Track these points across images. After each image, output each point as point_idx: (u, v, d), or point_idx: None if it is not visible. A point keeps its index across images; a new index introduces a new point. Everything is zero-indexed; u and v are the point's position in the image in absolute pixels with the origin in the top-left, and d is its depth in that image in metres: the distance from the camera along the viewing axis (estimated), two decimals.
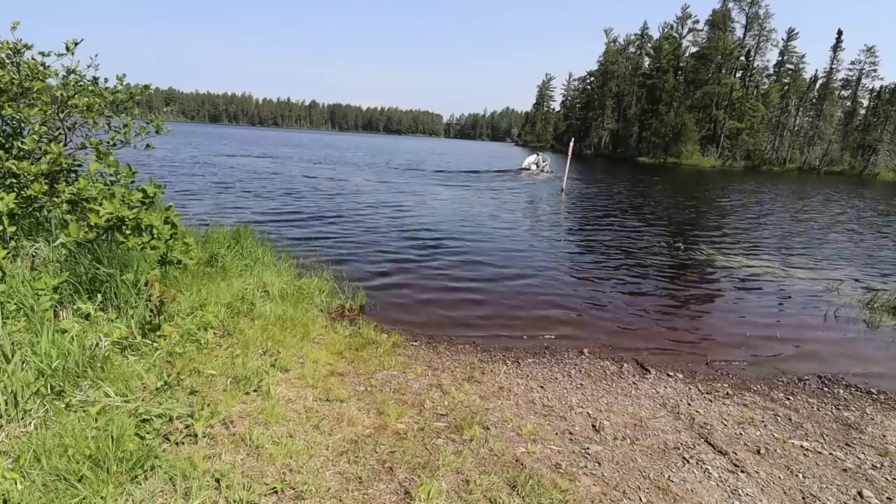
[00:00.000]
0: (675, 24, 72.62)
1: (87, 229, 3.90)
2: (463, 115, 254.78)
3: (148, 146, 5.33)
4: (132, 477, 2.19)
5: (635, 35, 79.22)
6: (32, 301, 3.17)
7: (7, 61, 4.47)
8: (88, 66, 4.94)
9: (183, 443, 2.55)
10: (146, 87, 5.40)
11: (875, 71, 63.00)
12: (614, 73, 78.25)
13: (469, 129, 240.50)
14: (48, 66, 4.64)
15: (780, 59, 67.68)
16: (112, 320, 3.40)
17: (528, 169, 29.48)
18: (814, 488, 2.93)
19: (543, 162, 30.58)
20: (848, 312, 6.82)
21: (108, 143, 5.02)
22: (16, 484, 2.02)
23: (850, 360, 5.30)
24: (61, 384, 2.66)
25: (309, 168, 26.14)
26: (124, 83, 5.28)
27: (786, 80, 66.74)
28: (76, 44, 4.66)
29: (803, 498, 2.83)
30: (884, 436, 3.66)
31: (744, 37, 65.66)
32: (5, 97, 4.39)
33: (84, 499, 2.02)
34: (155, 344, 3.28)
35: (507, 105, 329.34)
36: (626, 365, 4.71)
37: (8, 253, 3.64)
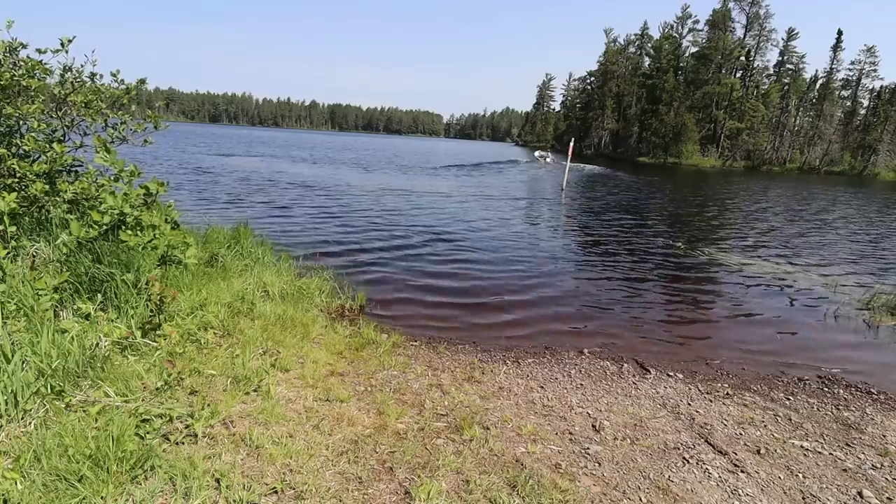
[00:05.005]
0: (675, 25, 72.79)
1: (88, 228, 3.90)
2: (463, 116, 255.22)
3: (146, 142, 5.31)
4: (132, 477, 2.19)
5: (635, 35, 79.37)
6: (32, 301, 3.17)
7: (4, 60, 4.46)
8: (84, 64, 4.93)
9: (183, 443, 2.55)
10: (142, 80, 5.37)
11: (875, 71, 63.12)
12: (614, 73, 78.25)
13: (469, 129, 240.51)
14: (45, 63, 4.63)
15: (780, 59, 67.73)
16: (112, 320, 3.39)
17: (539, 159, 43.69)
18: (814, 488, 2.93)
19: (547, 155, 46.98)
20: (848, 312, 6.81)
21: (109, 141, 5.01)
22: (16, 484, 2.02)
23: (850, 360, 5.29)
24: (61, 384, 2.66)
25: (316, 170, 26.15)
26: (119, 78, 5.25)
27: (786, 80, 66.71)
28: (70, 41, 4.65)
29: (803, 498, 2.83)
30: (884, 436, 3.66)
31: (744, 37, 65.67)
32: (2, 95, 4.39)
33: (84, 499, 2.02)
34: (155, 344, 3.28)
35: (508, 105, 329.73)
36: (626, 365, 4.71)
37: (8, 253, 3.64)
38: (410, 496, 2.42)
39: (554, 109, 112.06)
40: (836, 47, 62.37)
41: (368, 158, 38.38)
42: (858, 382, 4.67)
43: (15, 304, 3.15)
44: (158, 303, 3.54)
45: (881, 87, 61.63)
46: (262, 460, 2.52)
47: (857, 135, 61.24)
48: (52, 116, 4.84)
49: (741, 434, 3.54)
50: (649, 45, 77.43)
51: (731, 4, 64.31)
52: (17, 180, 4.44)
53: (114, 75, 5.21)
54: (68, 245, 3.92)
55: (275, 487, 2.33)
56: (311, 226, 10.75)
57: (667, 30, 73.46)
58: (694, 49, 69.49)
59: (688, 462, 3.08)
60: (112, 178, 4.67)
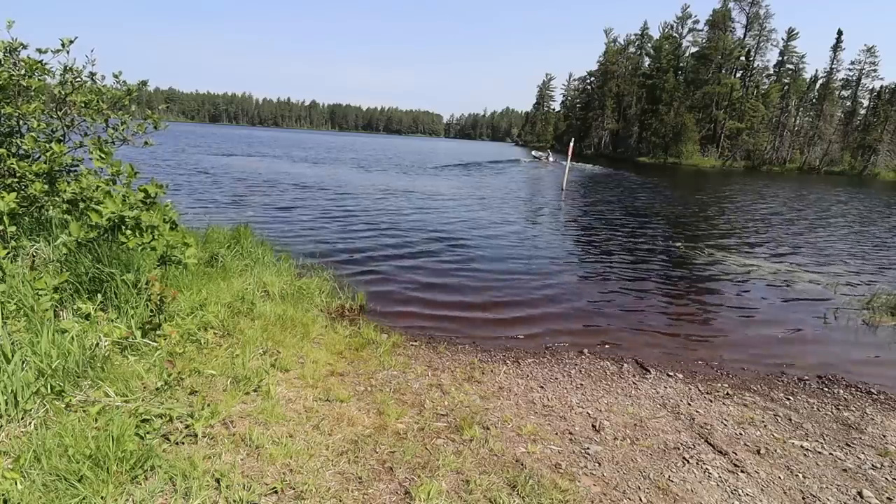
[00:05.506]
0: (675, 25, 72.80)
1: (87, 228, 3.90)
2: (463, 116, 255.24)
3: (146, 143, 5.31)
4: (132, 477, 2.19)
5: (635, 35, 79.36)
6: (32, 301, 3.17)
7: (4, 60, 4.46)
8: (84, 65, 4.93)
9: (183, 443, 2.55)
10: (143, 82, 5.37)
11: (875, 71, 63.00)
12: (614, 73, 78.25)
13: (469, 129, 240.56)
14: (45, 63, 4.63)
15: (780, 59, 67.71)
16: (112, 320, 3.39)
17: (538, 158, 46.28)
18: (814, 488, 2.93)
19: (546, 155, 48.62)
20: (848, 312, 6.81)
21: (107, 141, 5.01)
22: (16, 484, 2.02)
23: (850, 360, 5.29)
24: (61, 384, 2.66)
25: (316, 170, 26.14)
26: (120, 80, 5.25)
27: (786, 80, 66.66)
28: (71, 41, 4.65)
29: (803, 498, 2.83)
30: (884, 436, 3.66)
31: (744, 37, 65.64)
32: (2, 95, 4.39)
33: (84, 499, 2.02)
34: (155, 344, 3.28)
35: (507, 105, 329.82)
36: (626, 365, 4.71)
37: (8, 253, 3.64)
38: (410, 496, 2.42)
39: (554, 109, 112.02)
40: (836, 47, 62.32)
41: (369, 158, 38.40)
42: (858, 382, 4.67)
43: (15, 304, 3.15)
44: (158, 303, 3.54)
45: (881, 87, 61.64)
46: (262, 460, 2.52)
47: (857, 135, 61.18)
48: (52, 116, 4.84)
49: (741, 434, 3.54)
50: (649, 45, 77.41)
51: (731, 4, 64.35)
52: (16, 180, 4.44)
53: (116, 76, 5.22)
54: (68, 245, 3.92)
55: (275, 487, 2.33)
56: (311, 226, 10.75)
57: (667, 30, 73.53)
58: (694, 49, 69.53)
59: (688, 462, 3.08)
60: (108, 179, 4.66)
